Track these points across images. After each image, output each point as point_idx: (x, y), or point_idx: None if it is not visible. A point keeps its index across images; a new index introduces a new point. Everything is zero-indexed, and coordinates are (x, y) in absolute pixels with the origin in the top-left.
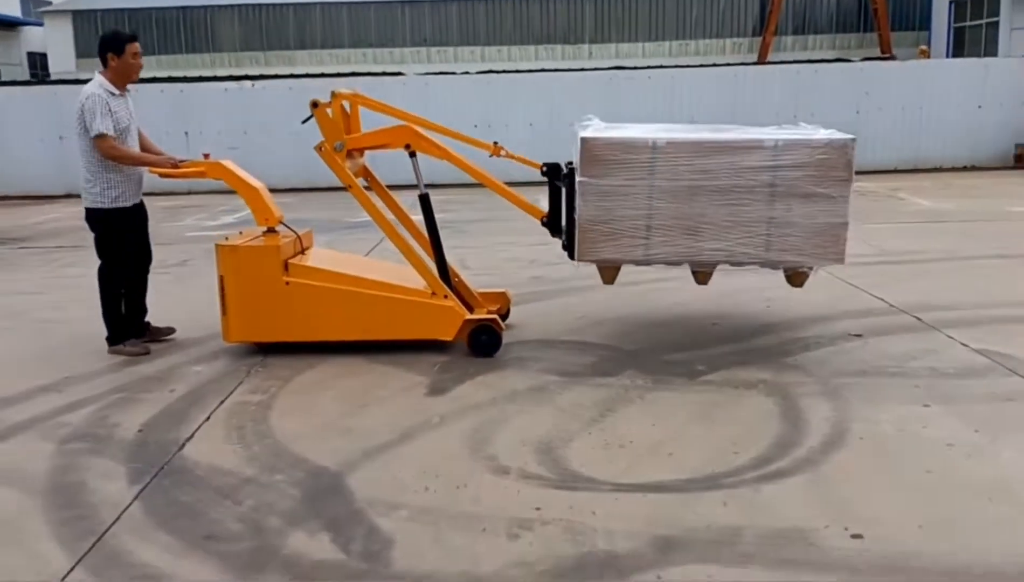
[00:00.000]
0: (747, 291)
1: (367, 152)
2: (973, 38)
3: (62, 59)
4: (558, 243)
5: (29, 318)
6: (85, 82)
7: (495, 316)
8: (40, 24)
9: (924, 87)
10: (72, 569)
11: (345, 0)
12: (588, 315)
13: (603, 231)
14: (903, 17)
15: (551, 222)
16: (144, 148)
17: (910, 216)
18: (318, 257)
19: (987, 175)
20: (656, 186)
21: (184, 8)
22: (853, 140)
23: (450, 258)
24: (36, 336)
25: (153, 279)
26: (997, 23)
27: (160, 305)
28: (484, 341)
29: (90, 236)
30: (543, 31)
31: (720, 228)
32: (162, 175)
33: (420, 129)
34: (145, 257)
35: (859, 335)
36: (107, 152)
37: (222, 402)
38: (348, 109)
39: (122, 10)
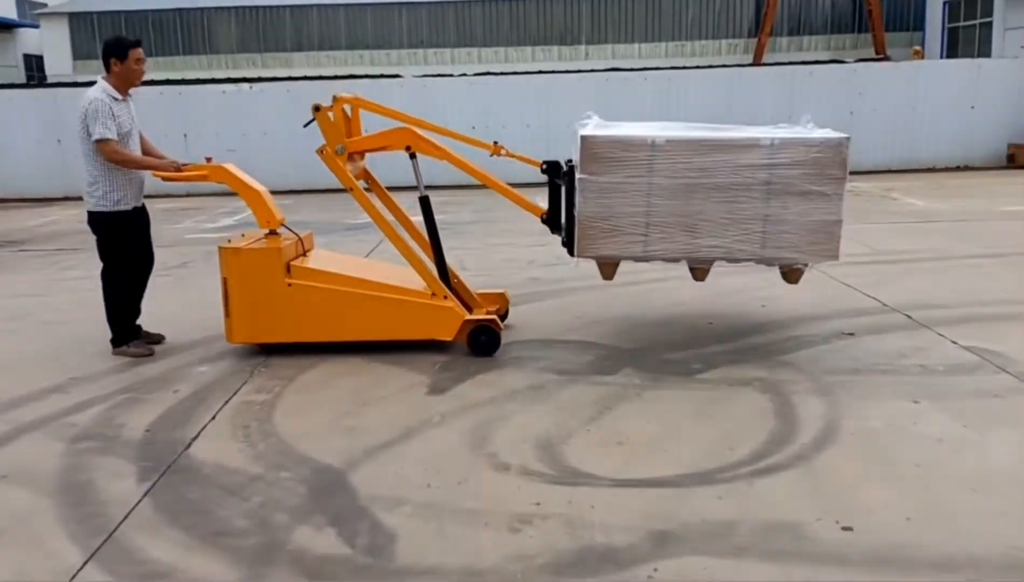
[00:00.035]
0: (743, 291)
1: (367, 154)
2: (967, 38)
3: (59, 61)
4: (556, 244)
5: (32, 320)
6: (83, 85)
7: (494, 316)
8: (36, 26)
9: (917, 88)
10: (84, 565)
11: (342, 2)
12: (586, 315)
13: (602, 228)
14: (897, 18)
15: (551, 219)
16: (146, 152)
17: (903, 216)
18: (319, 259)
19: (980, 175)
20: (655, 183)
21: (181, 10)
22: (847, 139)
23: (449, 259)
24: (40, 338)
25: (154, 281)
26: (991, 23)
27: (161, 307)
28: (483, 341)
29: (91, 239)
30: (540, 32)
31: (717, 225)
32: (165, 178)
33: (420, 131)
34: (147, 260)
35: (851, 333)
36: (110, 156)
37: (227, 402)
38: (349, 113)
39: (118, 12)
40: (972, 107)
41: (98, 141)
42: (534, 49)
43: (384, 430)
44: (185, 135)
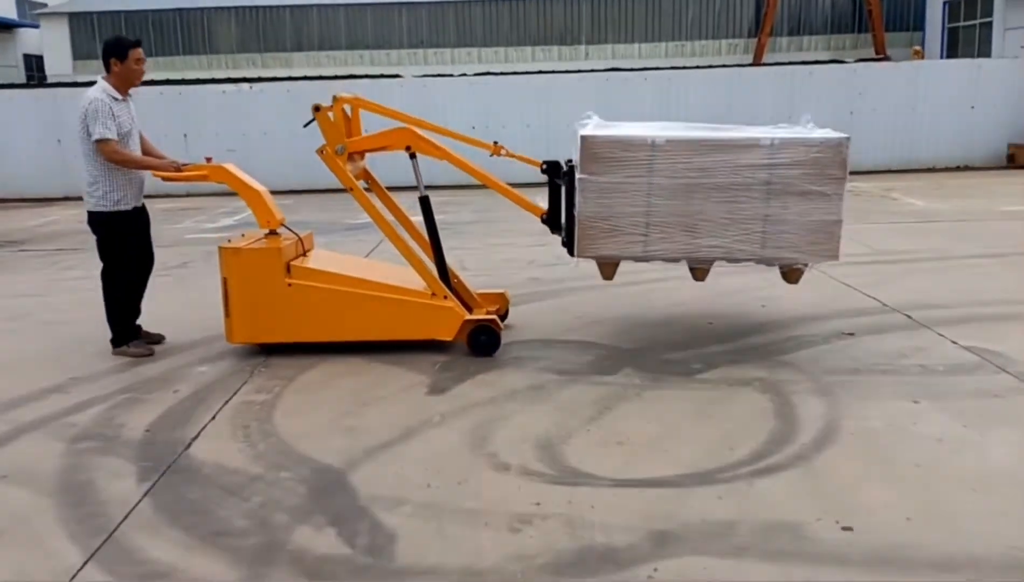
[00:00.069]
0: (743, 291)
1: (367, 154)
2: (967, 38)
3: (59, 61)
4: (555, 244)
5: (32, 320)
6: (83, 85)
7: (494, 316)
8: (36, 26)
9: (917, 88)
10: (84, 565)
11: (342, 2)
12: (586, 315)
13: (602, 228)
14: (897, 18)
15: (551, 219)
16: (146, 152)
17: (903, 216)
18: (319, 259)
19: (980, 175)
20: (655, 183)
21: (181, 10)
22: (847, 139)
23: (449, 259)
24: (40, 338)
25: (154, 281)
26: (991, 23)
27: (161, 307)
28: (483, 341)
29: (91, 239)
30: (540, 32)
31: (717, 225)
32: (165, 179)
33: (420, 131)
34: (147, 260)
35: (852, 333)
36: (110, 156)
37: (227, 402)
38: (349, 113)
39: (118, 12)
40: (972, 107)
41: (98, 141)
42: (534, 49)
43: (384, 430)
44: (185, 135)
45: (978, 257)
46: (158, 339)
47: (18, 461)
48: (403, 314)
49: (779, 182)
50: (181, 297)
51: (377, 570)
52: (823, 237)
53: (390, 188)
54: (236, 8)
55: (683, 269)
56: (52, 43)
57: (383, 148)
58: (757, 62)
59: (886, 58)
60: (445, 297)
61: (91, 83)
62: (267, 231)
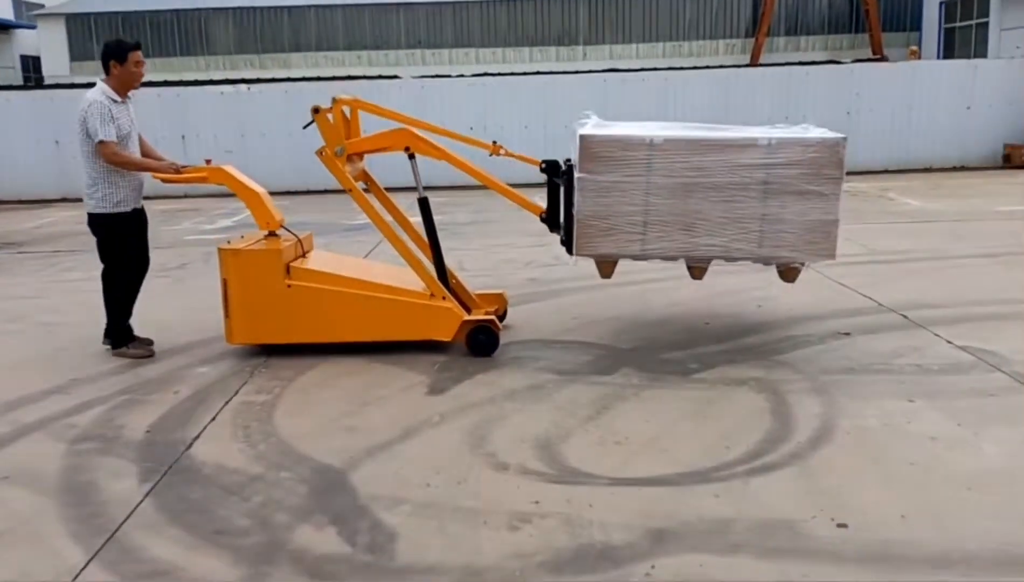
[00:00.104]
0: (740, 292)
1: (365, 156)
2: (963, 39)
3: (56, 62)
4: (554, 245)
5: (32, 322)
6: (81, 86)
7: (493, 317)
8: (33, 27)
9: (913, 88)
10: (88, 564)
11: (339, 3)
12: (584, 315)
13: (601, 226)
14: (894, 18)
15: (549, 218)
16: (145, 154)
17: (899, 216)
18: (319, 260)
19: (976, 175)
20: (653, 182)
21: (178, 11)
22: (844, 139)
23: (447, 260)
24: (41, 339)
25: (153, 283)
26: (987, 24)
27: (160, 308)
28: (482, 341)
29: (89, 240)
30: (537, 33)
31: (715, 224)
32: (164, 180)
33: (419, 131)
34: (143, 262)
35: (847, 333)
36: (110, 158)
37: (227, 402)
38: (348, 114)
39: (116, 13)
40: (968, 107)
41: (98, 143)
42: (532, 50)
43: (384, 430)
44: (183, 136)
45: (974, 257)
46: (147, 343)
47: (20, 462)
48: (402, 315)
49: (776, 182)
50: (180, 298)
51: (377, 569)
52: (820, 236)
53: (388, 189)
54: (234, 9)
55: (680, 270)
56: (49, 44)
57: (382, 149)
58: (754, 62)
59: (883, 58)
60: (444, 298)
61: (88, 84)
62: (266, 232)
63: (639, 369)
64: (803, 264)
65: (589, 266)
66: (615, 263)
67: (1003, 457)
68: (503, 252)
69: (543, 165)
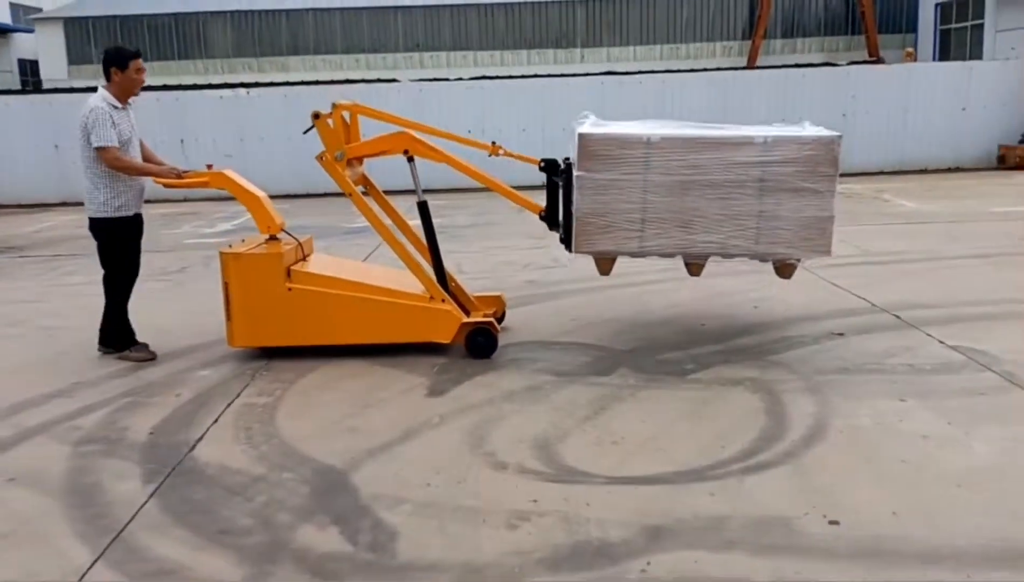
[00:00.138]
0: (736, 293)
1: (365, 160)
2: (959, 40)
3: (54, 66)
4: (552, 247)
5: (33, 326)
6: (79, 90)
7: (491, 319)
8: (31, 31)
9: (909, 90)
10: (94, 564)
11: (338, 6)
12: (582, 317)
13: (599, 224)
14: (890, 20)
15: (549, 216)
16: (146, 159)
17: (894, 217)
18: (319, 263)
19: (971, 176)
20: (650, 180)
21: (177, 15)
22: (839, 136)
23: (446, 262)
24: (43, 343)
25: (154, 286)
26: (982, 25)
27: (161, 312)
28: (481, 343)
29: (90, 244)
30: (535, 35)
31: (712, 221)
32: (166, 185)
33: (418, 134)
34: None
35: (841, 334)
36: (112, 163)
37: (229, 404)
38: (347, 119)
39: (114, 17)
40: (963, 109)
41: (100, 148)
42: (529, 52)
43: (384, 431)
44: (182, 140)
45: (967, 258)
46: (145, 347)
47: (25, 464)
48: (402, 317)
49: (772, 179)
50: (181, 302)
51: (379, 567)
52: (815, 233)
53: (387, 192)
54: (232, 13)
55: (677, 272)
56: (47, 48)
57: (381, 153)
58: (751, 64)
59: (880, 60)
60: (443, 300)
61: (87, 88)
62: (267, 236)
63: (636, 370)
64: (799, 260)
65: (586, 268)
66: (614, 260)
67: (993, 455)
68: (502, 254)
69: (542, 164)
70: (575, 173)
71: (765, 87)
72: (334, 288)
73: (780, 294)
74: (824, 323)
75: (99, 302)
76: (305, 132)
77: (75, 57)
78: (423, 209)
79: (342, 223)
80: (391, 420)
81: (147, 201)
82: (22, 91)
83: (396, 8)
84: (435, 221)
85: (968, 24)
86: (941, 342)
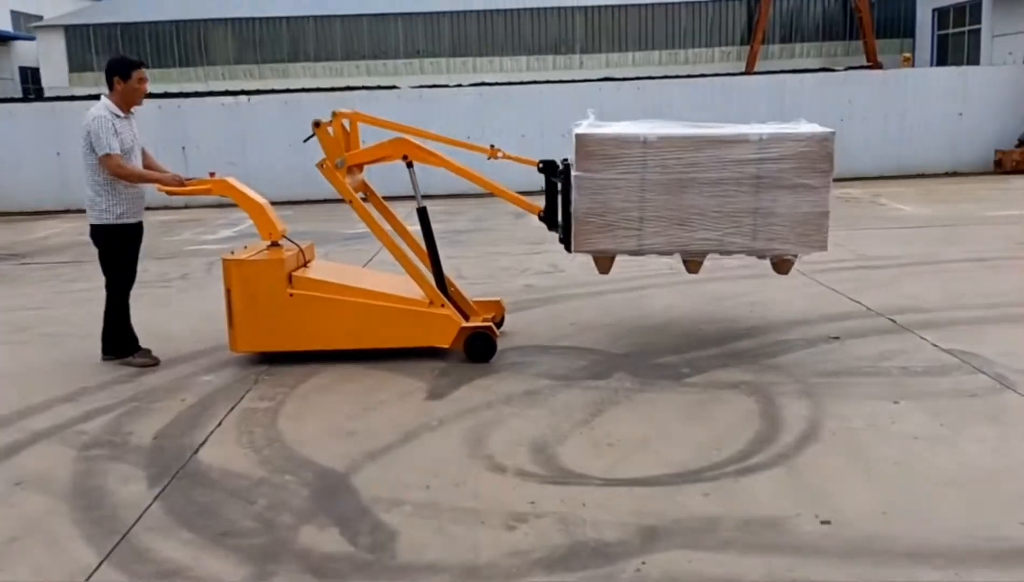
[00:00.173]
0: (732, 297)
1: (365, 166)
2: (956, 45)
3: (55, 74)
4: (550, 252)
5: (38, 332)
6: (81, 98)
7: (490, 323)
8: (32, 39)
9: (905, 95)
10: (100, 565)
11: (338, 13)
12: (579, 321)
13: (598, 223)
14: (888, 25)
15: (548, 217)
16: (149, 167)
17: (890, 222)
18: (320, 269)
19: (967, 181)
20: (648, 179)
21: (178, 22)
22: (833, 133)
23: (445, 267)
24: (48, 349)
25: (156, 293)
26: (979, 30)
27: (164, 318)
28: (480, 347)
29: (93, 251)
30: (534, 41)
31: (709, 219)
32: (169, 193)
33: (417, 139)
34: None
35: (836, 337)
36: (114, 170)
37: (232, 409)
38: (347, 127)
39: (115, 25)
40: (960, 114)
41: (103, 156)
42: (528, 58)
43: (385, 434)
44: (183, 148)
45: (962, 261)
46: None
47: (32, 468)
48: (402, 322)
49: (768, 176)
50: (183, 308)
51: (379, 567)
52: (811, 228)
53: (387, 198)
54: (233, 20)
55: (674, 276)
56: (48, 56)
57: (381, 159)
58: (750, 69)
59: (878, 65)
60: (442, 305)
61: (88, 96)
62: (269, 242)
63: (633, 374)
64: (796, 256)
65: (584, 273)
66: (613, 259)
67: (983, 455)
68: (500, 260)
69: (540, 165)
70: (573, 173)
71: (763, 92)
72: (335, 294)
73: (776, 298)
74: (820, 327)
75: (102, 308)
76: (306, 140)
77: (76, 65)
78: (423, 215)
79: (343, 229)
80: (391, 423)
81: (148, 208)
82: (25, 99)
83: (396, 15)
84: (434, 227)
85: (965, 29)
86: (935, 345)
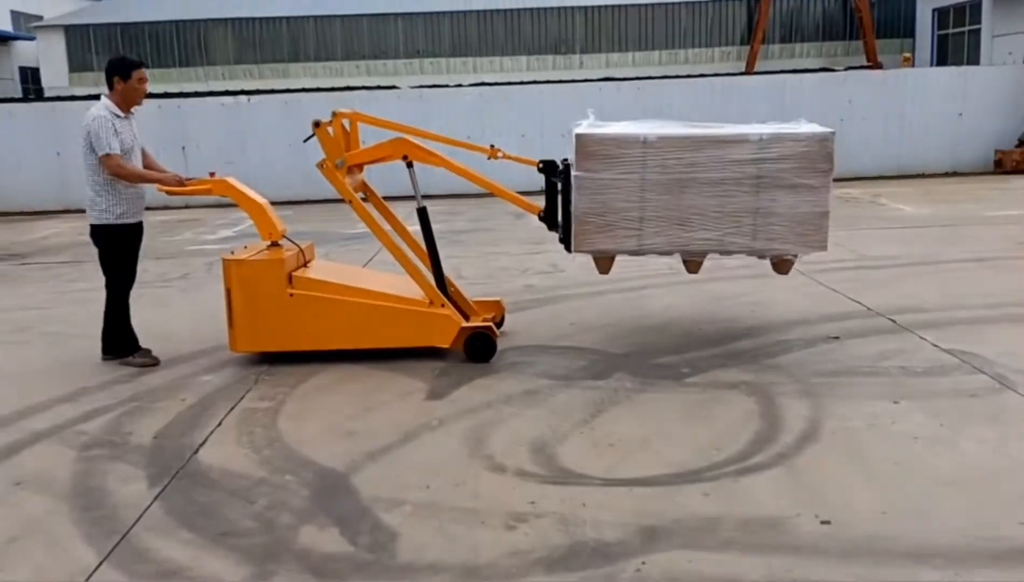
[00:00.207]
0: (733, 297)
1: (365, 167)
2: (956, 45)
3: (55, 74)
4: (550, 252)
5: (38, 332)
6: (81, 98)
7: (490, 323)
8: (32, 39)
9: (905, 95)
10: (100, 565)
11: (338, 13)
12: (579, 321)
13: (598, 223)
14: (888, 25)
15: (548, 217)
16: (149, 167)
17: (891, 222)
18: (320, 269)
19: (967, 181)
20: (648, 179)
21: (178, 22)
22: (832, 133)
23: (445, 268)
24: (48, 349)
25: (156, 293)
26: (979, 30)
27: (164, 318)
28: (480, 347)
29: (93, 251)
30: (534, 41)
31: (709, 218)
32: (169, 192)
33: (417, 139)
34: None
35: (836, 337)
36: (115, 170)
37: (232, 409)
38: (347, 127)
39: (115, 25)
40: (960, 114)
41: (103, 156)
42: (529, 58)
43: (385, 434)
44: (183, 147)
45: (962, 262)
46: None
47: (32, 468)
48: (402, 322)
49: (768, 176)
50: (183, 308)
51: (379, 567)
52: (811, 228)
53: (387, 198)
54: (233, 20)
55: (674, 276)
56: (48, 56)
57: (381, 159)
58: (750, 69)
59: (878, 65)
60: (442, 305)
61: (88, 96)
62: (269, 242)
63: (633, 374)
64: (796, 256)
65: (584, 274)
66: (613, 259)
67: (983, 455)
68: (500, 260)
69: (540, 165)
70: (573, 173)
71: (762, 93)
72: (335, 294)
73: (776, 298)
74: (820, 327)
75: (102, 308)
76: (306, 140)
77: (76, 65)
78: (422, 215)
79: (342, 229)
80: (391, 423)
81: (148, 208)
82: (25, 99)
83: (396, 15)
84: (434, 227)
85: (966, 29)
86: (935, 345)
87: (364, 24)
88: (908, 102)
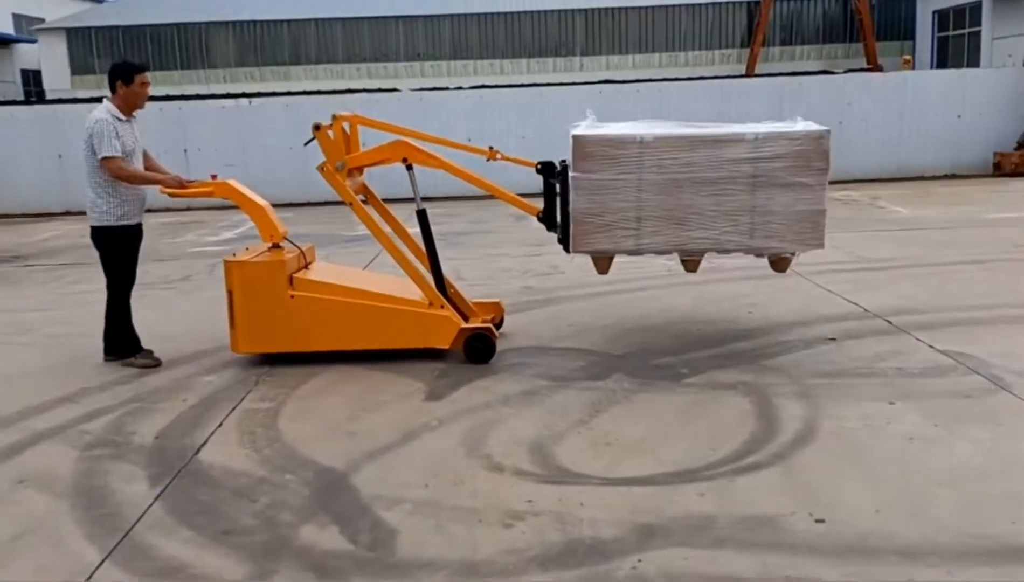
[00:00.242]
0: (731, 298)
1: (365, 169)
2: (956, 48)
3: (56, 77)
4: (549, 254)
5: (41, 333)
6: (83, 101)
7: (489, 325)
8: (34, 41)
9: (904, 98)
10: (102, 562)
11: (339, 16)
12: (578, 323)
13: (596, 223)
14: (888, 27)
15: (546, 217)
16: (150, 169)
17: (889, 224)
18: (321, 271)
19: (966, 183)
20: (645, 179)
21: (179, 25)
22: (828, 131)
23: (445, 269)
24: (50, 350)
25: (158, 294)
26: (979, 33)
27: (166, 319)
28: (479, 348)
29: (95, 253)
30: (535, 44)
31: (706, 218)
32: (171, 194)
33: (416, 142)
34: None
35: (833, 338)
36: (116, 172)
37: (233, 409)
38: (347, 129)
39: (116, 27)
40: (959, 116)
41: (104, 159)
42: (529, 61)
43: (384, 434)
44: (185, 150)
45: (959, 264)
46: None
47: (35, 467)
48: (402, 324)
49: (764, 174)
50: (185, 309)
51: (379, 564)
52: (808, 226)
53: (387, 200)
54: (234, 23)
55: (673, 277)
56: (50, 58)
57: (381, 162)
58: (750, 72)
59: (878, 68)
60: (442, 307)
61: (90, 99)
62: (270, 244)
63: (631, 374)
64: (793, 254)
65: (582, 275)
66: (611, 259)
67: (977, 455)
68: (499, 261)
69: (539, 166)
70: (571, 174)
71: (762, 95)
72: (335, 295)
73: (774, 299)
74: (817, 328)
75: (104, 309)
76: (306, 143)
77: (78, 67)
78: (422, 217)
79: (343, 231)
80: (391, 423)
81: (150, 210)
82: (26, 102)
83: (397, 18)
84: (434, 228)
85: (965, 31)
86: (931, 346)
87: (365, 27)
88: (907, 104)
